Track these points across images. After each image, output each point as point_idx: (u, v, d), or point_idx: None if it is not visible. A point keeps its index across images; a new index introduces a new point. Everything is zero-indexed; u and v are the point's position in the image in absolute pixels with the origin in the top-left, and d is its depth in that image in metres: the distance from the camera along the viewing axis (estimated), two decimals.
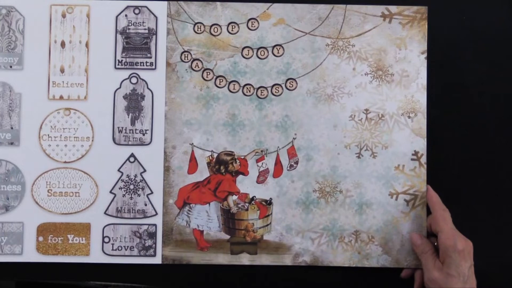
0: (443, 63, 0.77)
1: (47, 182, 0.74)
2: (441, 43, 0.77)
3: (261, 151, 0.75)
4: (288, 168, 0.75)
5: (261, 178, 0.75)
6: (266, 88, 0.76)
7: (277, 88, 0.76)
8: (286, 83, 0.76)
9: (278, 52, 0.76)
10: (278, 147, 0.75)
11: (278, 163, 0.75)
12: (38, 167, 0.75)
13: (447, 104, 0.77)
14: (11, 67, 0.75)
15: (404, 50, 0.76)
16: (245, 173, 0.75)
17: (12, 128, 0.74)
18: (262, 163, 0.75)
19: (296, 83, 0.76)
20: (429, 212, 0.74)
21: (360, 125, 0.75)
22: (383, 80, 0.76)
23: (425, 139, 0.75)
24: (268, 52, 0.76)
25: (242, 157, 0.75)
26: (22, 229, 0.74)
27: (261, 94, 0.75)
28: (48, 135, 0.75)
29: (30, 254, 0.74)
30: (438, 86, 0.76)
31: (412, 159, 0.75)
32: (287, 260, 0.75)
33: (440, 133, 0.76)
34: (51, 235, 0.74)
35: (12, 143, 0.74)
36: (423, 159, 0.75)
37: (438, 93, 0.76)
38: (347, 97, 0.75)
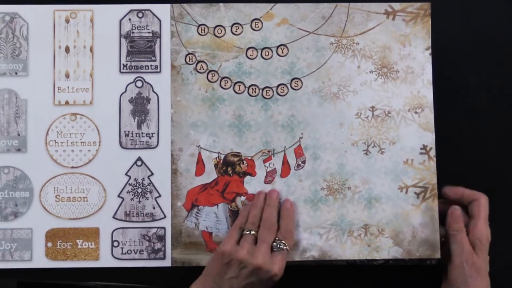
0: (448, 58, 0.77)
1: (54, 187, 0.74)
2: (444, 38, 0.77)
3: (268, 151, 0.75)
4: (295, 168, 0.75)
5: (269, 178, 0.75)
6: (271, 88, 0.76)
7: (282, 88, 0.76)
8: (291, 82, 0.76)
9: (282, 52, 0.76)
10: (285, 147, 0.75)
11: (285, 163, 0.75)
12: (46, 173, 0.74)
13: (453, 98, 0.77)
14: (16, 73, 0.75)
15: (409, 47, 0.76)
16: (252, 173, 0.75)
17: (19, 134, 0.75)
18: (269, 163, 0.75)
19: (301, 83, 0.76)
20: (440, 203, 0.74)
21: (367, 122, 0.75)
22: (388, 77, 0.76)
23: (433, 133, 0.75)
24: (272, 52, 0.76)
25: (249, 158, 0.75)
26: (31, 235, 0.74)
27: (266, 95, 0.75)
28: (55, 140, 0.75)
29: (39, 260, 0.74)
30: (443, 81, 0.76)
31: (420, 153, 0.75)
32: (294, 256, 0.74)
33: (447, 127, 0.76)
34: (60, 241, 0.74)
35: (19, 150, 0.74)
36: (432, 153, 0.75)
37: (444, 88, 0.76)
38: (352, 95, 0.75)
